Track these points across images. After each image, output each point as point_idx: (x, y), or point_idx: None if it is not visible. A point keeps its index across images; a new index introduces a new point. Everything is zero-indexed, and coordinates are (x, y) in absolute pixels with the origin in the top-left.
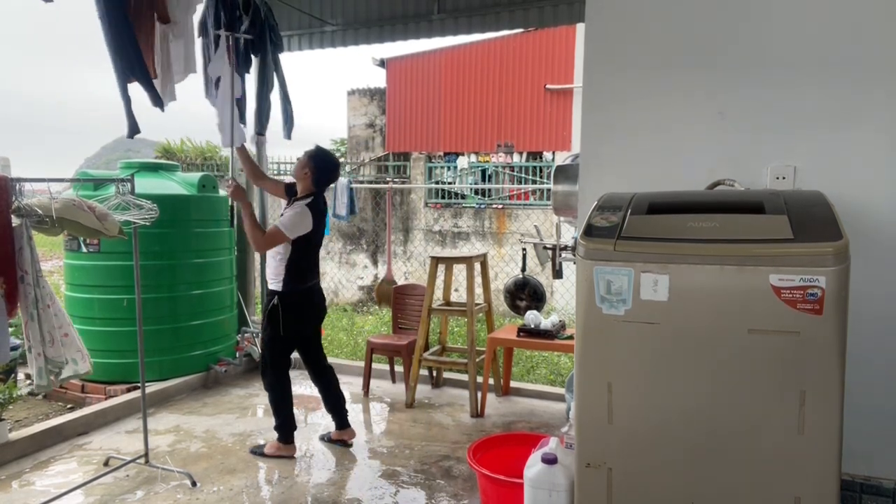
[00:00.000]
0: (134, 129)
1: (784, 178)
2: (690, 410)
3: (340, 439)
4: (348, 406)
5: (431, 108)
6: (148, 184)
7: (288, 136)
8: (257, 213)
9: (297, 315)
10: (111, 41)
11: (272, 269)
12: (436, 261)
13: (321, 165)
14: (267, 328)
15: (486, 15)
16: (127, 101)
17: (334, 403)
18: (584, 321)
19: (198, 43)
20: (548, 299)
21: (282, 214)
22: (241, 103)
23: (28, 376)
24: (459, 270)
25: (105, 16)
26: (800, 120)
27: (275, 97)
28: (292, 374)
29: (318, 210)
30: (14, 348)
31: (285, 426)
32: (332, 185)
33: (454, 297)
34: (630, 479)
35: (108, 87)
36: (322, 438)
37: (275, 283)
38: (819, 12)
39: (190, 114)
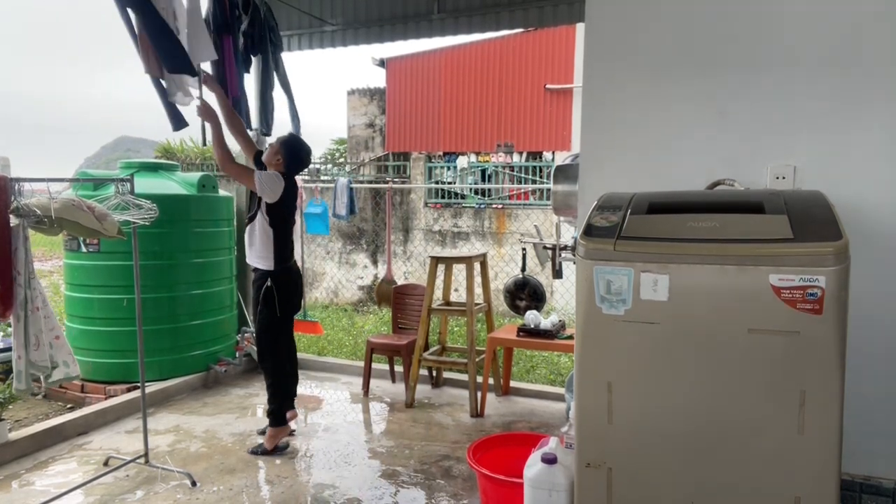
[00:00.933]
0: (179, 121)
1: (784, 177)
2: (690, 410)
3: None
4: (349, 406)
5: (431, 108)
6: (148, 184)
7: (297, 132)
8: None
9: (289, 293)
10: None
11: (259, 249)
12: (436, 261)
13: (293, 152)
14: (263, 311)
15: (486, 15)
16: (163, 95)
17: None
18: (584, 321)
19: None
20: (548, 299)
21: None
22: (239, 102)
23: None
24: (459, 270)
25: (139, 11)
26: (800, 120)
27: (281, 97)
28: None
29: (291, 189)
30: (8, 349)
31: (280, 411)
32: (333, 186)
33: (454, 297)
34: (630, 479)
35: (109, 87)
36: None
37: (264, 263)
38: (819, 12)
39: (190, 114)
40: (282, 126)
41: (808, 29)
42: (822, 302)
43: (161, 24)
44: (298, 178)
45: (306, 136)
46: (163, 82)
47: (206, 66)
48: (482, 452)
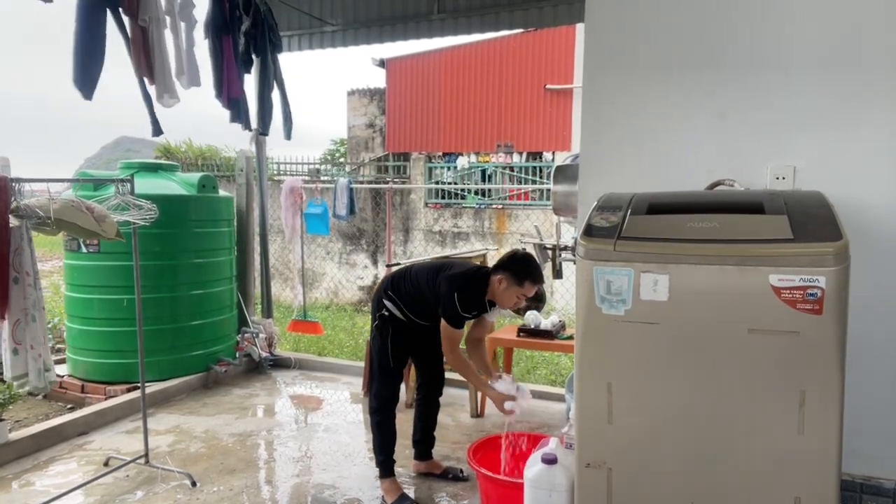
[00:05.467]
0: (158, 127)
1: (784, 178)
2: (690, 410)
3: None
4: (349, 406)
5: (431, 108)
6: (148, 184)
7: (288, 136)
8: (256, 212)
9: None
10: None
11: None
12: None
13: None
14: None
15: (485, 15)
16: (148, 100)
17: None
18: (584, 321)
19: (204, 45)
20: (548, 299)
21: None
22: (239, 103)
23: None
24: None
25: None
26: (800, 120)
27: (274, 98)
28: (293, 374)
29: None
30: None
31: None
32: (333, 186)
33: None
34: (630, 479)
35: (109, 86)
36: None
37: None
38: (819, 12)
39: (191, 115)
40: (276, 126)
41: (808, 29)
42: (822, 302)
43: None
44: (298, 179)
45: (306, 137)
46: (149, 87)
47: (207, 69)
48: (482, 453)
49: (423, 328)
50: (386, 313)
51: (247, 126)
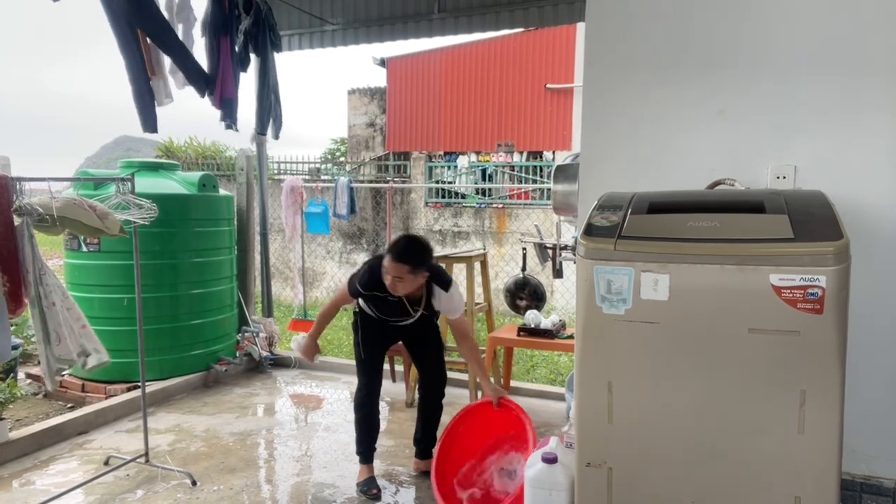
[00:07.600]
0: (154, 123)
1: (784, 177)
2: (690, 410)
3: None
4: (349, 405)
5: (431, 108)
6: (148, 183)
7: (276, 135)
8: (256, 211)
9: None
10: (123, 44)
11: None
12: (436, 260)
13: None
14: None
15: (486, 15)
16: (150, 97)
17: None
18: (585, 321)
19: (201, 43)
20: (548, 299)
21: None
22: (232, 103)
23: (28, 375)
24: (459, 270)
25: (114, 20)
26: (800, 120)
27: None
28: (293, 373)
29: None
30: (14, 347)
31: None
32: (334, 186)
33: None
34: (630, 479)
35: (109, 85)
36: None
37: None
38: (819, 12)
39: (191, 114)
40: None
41: (809, 29)
42: (823, 301)
43: (181, 46)
44: (298, 178)
45: (307, 136)
46: (152, 84)
47: (202, 66)
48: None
49: (399, 328)
50: (357, 309)
51: (233, 126)
